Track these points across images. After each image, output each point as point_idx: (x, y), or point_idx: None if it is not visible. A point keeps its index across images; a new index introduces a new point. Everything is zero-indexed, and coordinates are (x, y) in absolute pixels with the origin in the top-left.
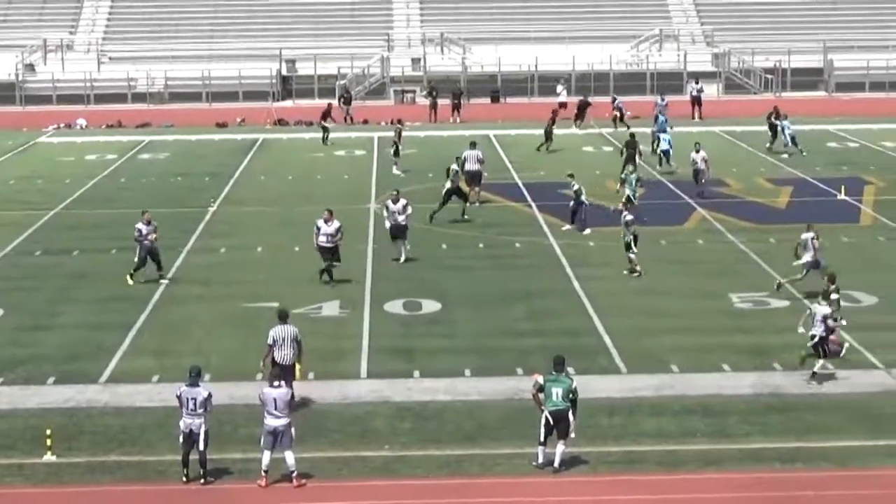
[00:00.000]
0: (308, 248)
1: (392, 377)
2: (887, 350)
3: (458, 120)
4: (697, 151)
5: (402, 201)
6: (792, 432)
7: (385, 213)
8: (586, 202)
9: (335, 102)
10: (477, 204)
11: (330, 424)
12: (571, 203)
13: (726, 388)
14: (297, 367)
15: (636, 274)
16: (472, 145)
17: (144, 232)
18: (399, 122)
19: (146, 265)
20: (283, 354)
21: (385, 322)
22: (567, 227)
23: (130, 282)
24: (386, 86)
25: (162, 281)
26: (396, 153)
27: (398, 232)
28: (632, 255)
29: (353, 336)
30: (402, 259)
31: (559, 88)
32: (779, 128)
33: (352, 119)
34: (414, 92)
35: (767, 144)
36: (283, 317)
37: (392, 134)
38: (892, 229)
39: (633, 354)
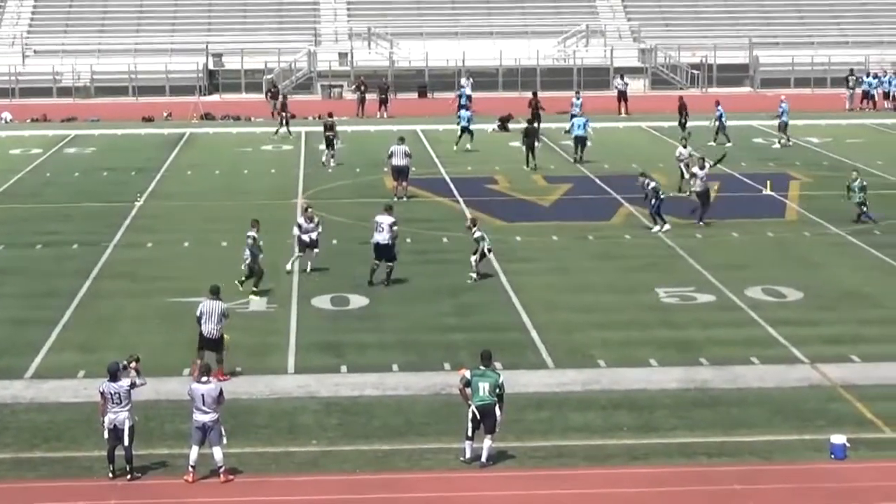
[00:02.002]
0: (236, 243)
1: (320, 372)
2: (812, 345)
3: (385, 115)
4: (685, 147)
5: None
6: (718, 426)
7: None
8: (662, 197)
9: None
10: (404, 199)
11: (258, 420)
12: (653, 202)
13: (653, 383)
14: (226, 337)
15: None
16: (400, 140)
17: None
18: (330, 115)
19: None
20: (210, 328)
21: (313, 317)
22: (655, 228)
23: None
24: (313, 80)
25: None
26: (330, 145)
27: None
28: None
29: (281, 331)
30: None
31: (464, 81)
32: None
33: (279, 113)
34: (341, 87)
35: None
36: (214, 291)
37: (322, 129)
38: (818, 224)
39: (561, 349)
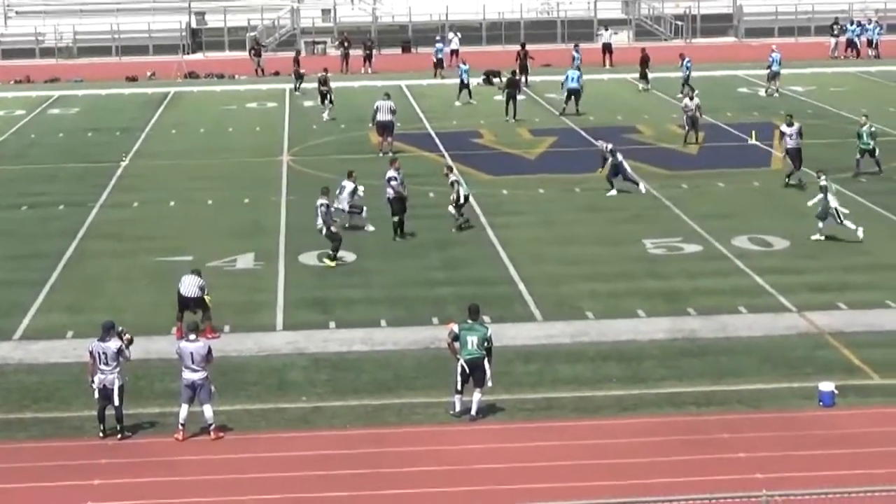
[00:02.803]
0: (221, 201)
1: (308, 329)
2: (799, 293)
3: (369, 71)
4: (692, 99)
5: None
6: (707, 376)
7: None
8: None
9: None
10: (390, 154)
11: (247, 377)
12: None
13: (641, 334)
14: (207, 298)
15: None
16: (385, 96)
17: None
18: (325, 70)
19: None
20: (187, 289)
21: (300, 274)
22: (612, 192)
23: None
24: (297, 37)
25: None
26: (325, 100)
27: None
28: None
29: (269, 288)
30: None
31: (450, 35)
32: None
33: (263, 71)
34: (325, 43)
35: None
36: (195, 272)
37: (316, 85)
38: (803, 173)
39: (549, 302)
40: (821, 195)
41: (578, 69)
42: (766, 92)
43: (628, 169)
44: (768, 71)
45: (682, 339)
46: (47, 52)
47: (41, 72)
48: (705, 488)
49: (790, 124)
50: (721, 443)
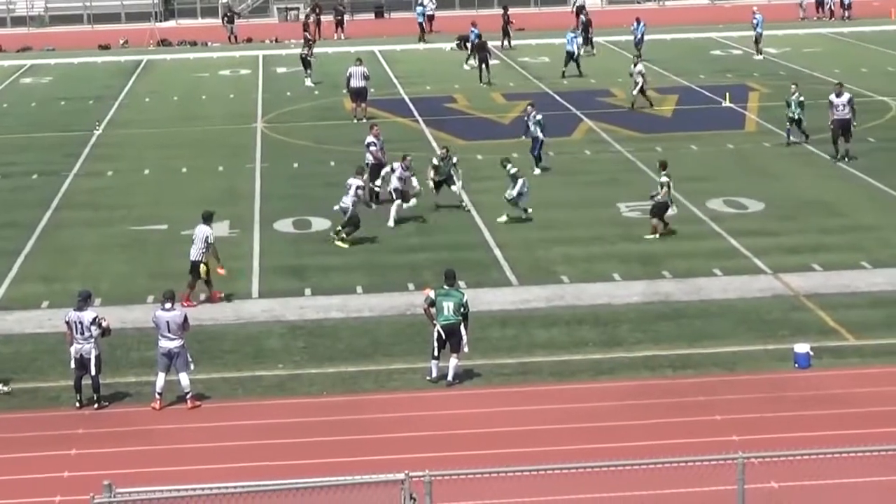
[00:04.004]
0: (195, 169)
1: (284, 296)
2: (774, 255)
3: (342, 36)
4: (635, 65)
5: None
6: (682, 339)
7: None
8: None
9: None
10: (364, 120)
11: (224, 345)
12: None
13: (617, 298)
14: (202, 267)
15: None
16: (358, 62)
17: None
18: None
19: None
20: (192, 252)
21: (275, 241)
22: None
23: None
24: (269, 4)
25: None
26: (307, 65)
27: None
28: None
29: (244, 256)
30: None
31: (425, 1)
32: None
33: (236, 38)
34: (297, 9)
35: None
36: (205, 217)
37: (302, 50)
38: (777, 135)
39: (524, 266)
40: None
41: (574, 32)
42: (759, 54)
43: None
44: (754, 34)
45: (658, 303)
46: (19, 21)
47: (13, 41)
48: (682, 451)
49: (839, 94)
50: (697, 405)
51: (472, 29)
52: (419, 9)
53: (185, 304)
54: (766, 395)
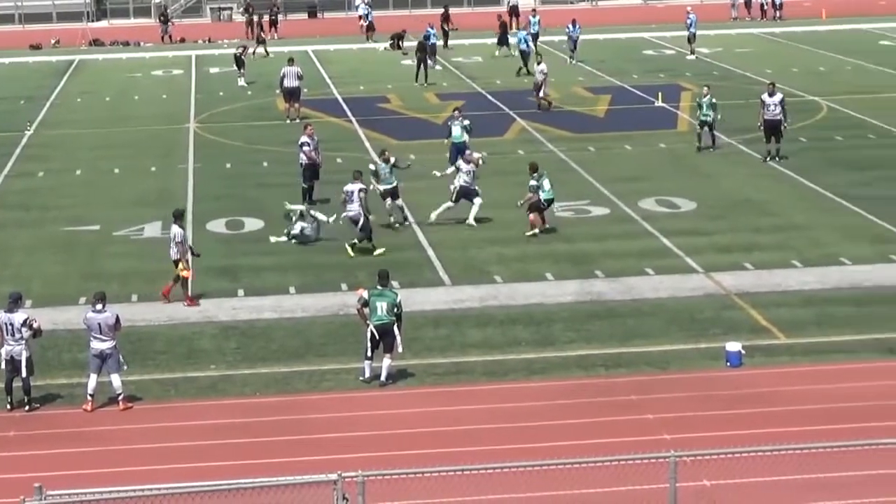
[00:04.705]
0: (127, 169)
1: (217, 297)
2: (706, 254)
3: (275, 36)
4: (538, 63)
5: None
6: (615, 338)
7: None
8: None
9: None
10: (298, 120)
11: (156, 346)
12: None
13: (549, 297)
14: (180, 266)
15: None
16: (290, 61)
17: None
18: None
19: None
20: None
21: (208, 242)
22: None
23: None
24: (202, 4)
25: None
26: (240, 65)
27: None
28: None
29: None
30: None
31: (357, 1)
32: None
33: (170, 38)
34: (230, 9)
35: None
36: (175, 215)
37: (236, 49)
38: (708, 134)
39: (457, 266)
40: None
41: (525, 31)
42: (692, 54)
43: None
44: (688, 33)
45: (590, 302)
46: None
47: None
48: (614, 450)
49: (772, 94)
50: (629, 404)
51: (429, 29)
52: (365, 9)
53: (188, 304)
54: (697, 393)
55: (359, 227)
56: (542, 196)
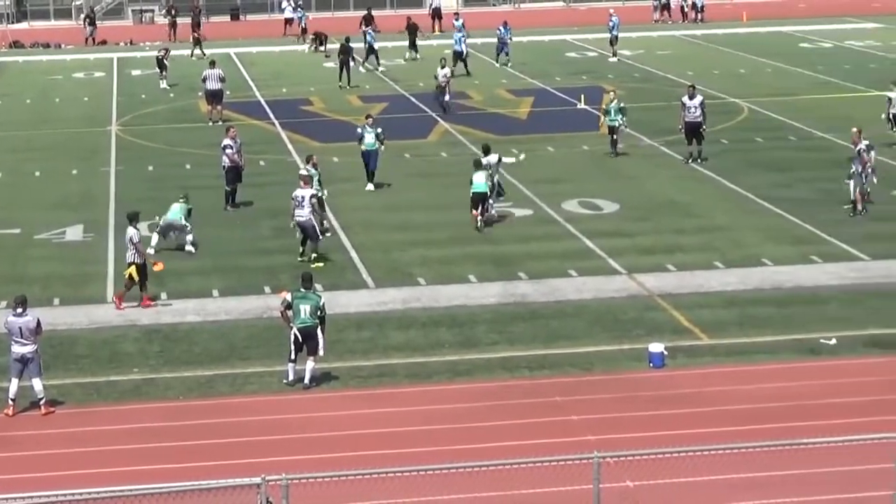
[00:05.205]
0: (49, 172)
1: (139, 301)
2: (629, 255)
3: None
4: (442, 67)
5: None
6: (538, 340)
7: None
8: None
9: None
10: (220, 122)
11: (78, 350)
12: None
13: (473, 299)
14: (149, 265)
15: None
16: (212, 64)
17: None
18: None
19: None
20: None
21: None
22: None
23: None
24: (124, 6)
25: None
26: (162, 68)
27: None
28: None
29: (99, 260)
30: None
31: (284, 4)
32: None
33: (94, 40)
34: (152, 11)
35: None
36: (129, 217)
37: (158, 52)
38: (631, 136)
39: (380, 268)
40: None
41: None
42: (614, 56)
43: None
44: (610, 36)
45: (514, 304)
46: None
47: None
48: (538, 451)
49: (692, 96)
50: (553, 406)
51: (368, 31)
52: (299, 12)
53: (144, 305)
54: (621, 394)
55: (309, 235)
56: (472, 189)
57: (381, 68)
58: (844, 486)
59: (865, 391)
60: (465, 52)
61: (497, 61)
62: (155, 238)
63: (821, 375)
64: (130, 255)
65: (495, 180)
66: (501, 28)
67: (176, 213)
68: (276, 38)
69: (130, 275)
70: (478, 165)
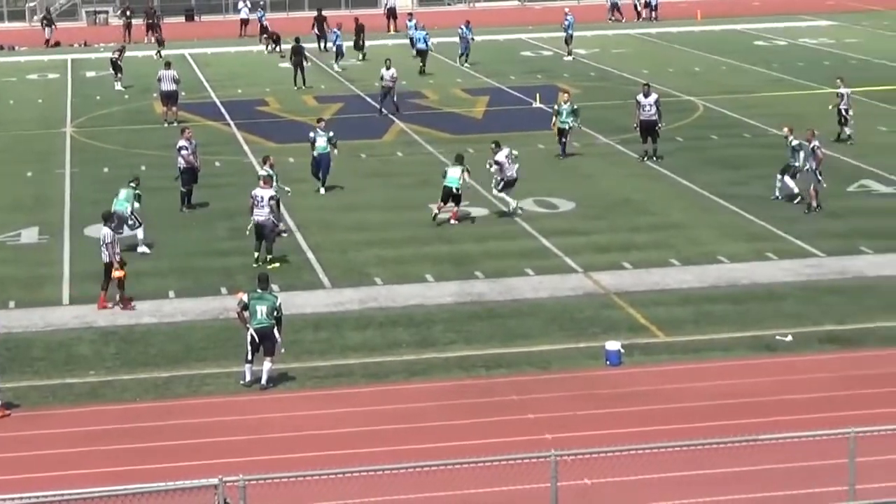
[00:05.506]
0: (4, 174)
1: (95, 302)
2: (585, 254)
3: (152, 40)
4: (388, 68)
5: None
6: (495, 338)
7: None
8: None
9: None
10: (175, 123)
11: (34, 353)
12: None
13: (430, 299)
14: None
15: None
16: (167, 65)
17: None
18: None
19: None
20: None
21: (86, 247)
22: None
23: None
24: (78, 7)
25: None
26: (117, 69)
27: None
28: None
29: (54, 262)
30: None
31: (240, 5)
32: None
33: (49, 41)
34: (107, 13)
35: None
36: (104, 217)
37: (112, 54)
38: (587, 135)
39: (337, 269)
40: None
41: (423, 29)
42: (569, 55)
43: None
44: (565, 35)
45: (471, 303)
46: None
47: None
48: (496, 450)
49: (647, 94)
50: (511, 404)
51: (335, 30)
52: (259, 12)
53: (124, 306)
54: (578, 392)
55: (265, 235)
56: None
57: (336, 67)
58: (800, 482)
59: (821, 387)
60: (427, 50)
61: (458, 61)
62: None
63: (777, 372)
64: (105, 256)
65: (515, 170)
66: (463, 27)
67: (122, 201)
68: (231, 39)
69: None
70: (458, 160)
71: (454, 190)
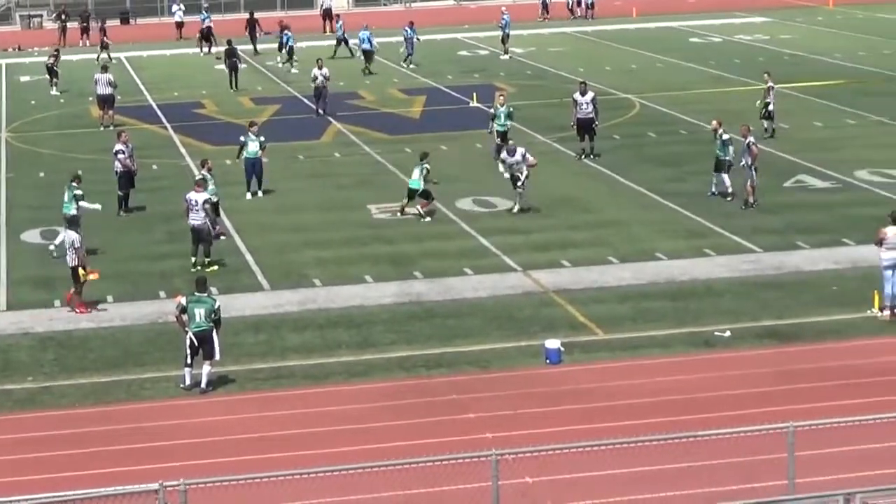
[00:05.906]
0: None
1: (33, 308)
2: (523, 252)
3: (88, 43)
4: (320, 68)
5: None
6: (435, 338)
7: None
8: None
9: None
10: (112, 127)
11: None
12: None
13: (369, 299)
14: (81, 271)
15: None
16: (103, 69)
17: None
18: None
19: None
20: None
21: (23, 252)
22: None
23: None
24: (11, 10)
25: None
26: (53, 74)
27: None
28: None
29: None
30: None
31: (174, 7)
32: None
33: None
34: (41, 16)
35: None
36: (68, 220)
37: (47, 59)
38: (525, 134)
39: (276, 271)
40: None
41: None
42: (505, 54)
43: None
44: (502, 34)
45: (410, 303)
46: None
47: None
48: (437, 450)
49: (584, 93)
50: (451, 404)
51: (286, 32)
52: (203, 14)
53: (78, 311)
54: (518, 391)
55: (203, 239)
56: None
57: (293, 70)
58: (740, 477)
59: (760, 382)
60: (372, 51)
61: (404, 63)
62: (60, 237)
63: (716, 368)
64: (71, 260)
65: (524, 173)
66: (408, 28)
67: (67, 204)
68: (167, 42)
69: (83, 277)
70: (421, 158)
71: (415, 191)
